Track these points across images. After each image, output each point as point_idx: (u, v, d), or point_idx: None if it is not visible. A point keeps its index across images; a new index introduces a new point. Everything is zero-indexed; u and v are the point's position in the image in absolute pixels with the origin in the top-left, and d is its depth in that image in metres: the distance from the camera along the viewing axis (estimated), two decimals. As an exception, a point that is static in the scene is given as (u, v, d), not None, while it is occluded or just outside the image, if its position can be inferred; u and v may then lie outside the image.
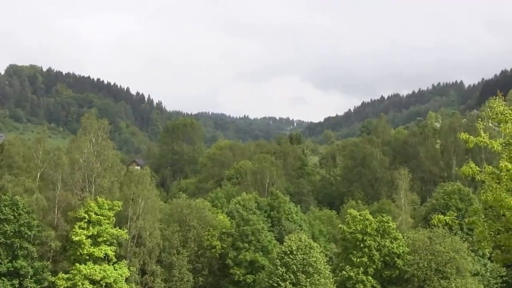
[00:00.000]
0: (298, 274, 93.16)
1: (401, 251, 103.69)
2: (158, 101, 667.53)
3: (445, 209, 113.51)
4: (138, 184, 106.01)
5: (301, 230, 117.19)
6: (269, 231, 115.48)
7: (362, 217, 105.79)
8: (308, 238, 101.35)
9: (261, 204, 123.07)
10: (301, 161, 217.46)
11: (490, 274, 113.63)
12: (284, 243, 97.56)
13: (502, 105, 30.59)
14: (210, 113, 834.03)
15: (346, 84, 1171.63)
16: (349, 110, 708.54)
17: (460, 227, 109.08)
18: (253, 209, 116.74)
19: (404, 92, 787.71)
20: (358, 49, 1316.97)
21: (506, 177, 28.29)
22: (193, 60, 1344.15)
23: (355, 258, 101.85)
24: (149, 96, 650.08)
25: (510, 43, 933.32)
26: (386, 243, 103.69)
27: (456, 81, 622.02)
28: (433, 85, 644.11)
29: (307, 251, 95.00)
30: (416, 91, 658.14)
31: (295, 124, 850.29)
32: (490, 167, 30.12)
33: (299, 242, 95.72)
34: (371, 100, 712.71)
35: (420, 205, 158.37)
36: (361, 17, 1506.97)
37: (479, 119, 31.42)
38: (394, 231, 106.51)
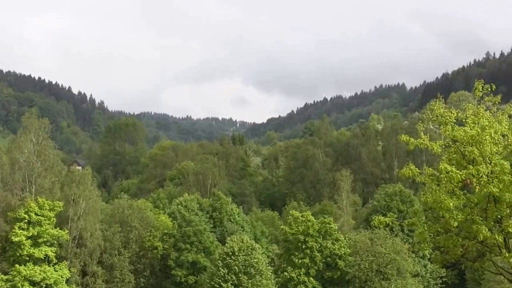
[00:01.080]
0: (240, 275, 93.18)
1: (342, 252, 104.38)
2: (100, 100, 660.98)
3: (387, 210, 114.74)
4: (79, 184, 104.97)
5: (243, 231, 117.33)
6: (211, 232, 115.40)
7: (304, 219, 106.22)
8: (250, 239, 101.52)
9: (203, 205, 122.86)
10: (243, 162, 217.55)
11: (430, 275, 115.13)
12: (226, 244, 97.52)
13: (442, 107, 30.93)
14: (152, 113, 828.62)
15: (288, 85, 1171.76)
16: (292, 111, 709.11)
17: (401, 228, 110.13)
18: (195, 210, 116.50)
19: (347, 94, 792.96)
20: (301, 51, 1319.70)
21: (445, 179, 28.56)
22: (135, 60, 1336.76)
23: (296, 259, 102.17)
24: (91, 95, 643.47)
25: (451, 47, 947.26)
26: (328, 244, 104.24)
27: (398, 83, 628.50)
28: (375, 87, 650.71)
29: (249, 252, 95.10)
30: (358, 93, 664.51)
31: (238, 125, 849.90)
32: (430, 169, 30.43)
33: (241, 243, 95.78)
34: (314, 101, 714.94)
35: (361, 207, 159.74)
36: (303, 19, 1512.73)
37: (420, 121, 31.73)
38: (336, 233, 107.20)
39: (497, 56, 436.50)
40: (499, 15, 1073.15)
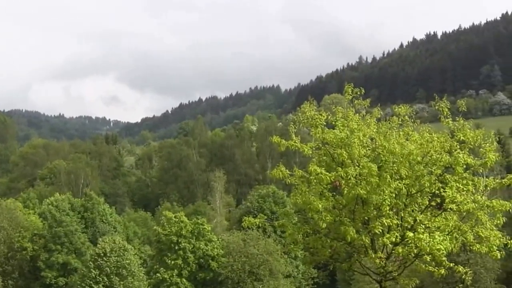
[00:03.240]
0: (112, 276, 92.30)
1: (215, 253, 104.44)
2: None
3: (260, 211, 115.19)
4: None
5: (115, 231, 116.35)
6: (82, 232, 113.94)
7: (177, 219, 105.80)
8: (122, 240, 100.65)
9: (74, 205, 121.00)
10: (116, 161, 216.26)
11: (302, 276, 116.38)
12: (98, 245, 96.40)
13: (313, 110, 31.23)
14: (23, 110, 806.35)
15: (163, 85, 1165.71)
16: (167, 111, 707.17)
17: (274, 229, 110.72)
18: (67, 210, 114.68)
19: (222, 95, 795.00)
20: (175, 51, 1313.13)
21: (315, 180, 28.87)
22: (5, 56, 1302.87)
23: (169, 261, 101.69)
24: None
25: (326, 51, 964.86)
26: (201, 245, 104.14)
27: (273, 85, 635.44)
28: (250, 88, 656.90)
29: (121, 253, 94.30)
30: (233, 94, 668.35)
31: (111, 124, 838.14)
32: (300, 171, 30.67)
33: (113, 244, 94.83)
34: (189, 101, 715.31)
35: (235, 208, 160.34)
36: (179, 19, 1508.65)
37: (292, 123, 31.99)
38: (209, 234, 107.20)
39: (369, 60, 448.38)
40: (371, 21, 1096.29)
